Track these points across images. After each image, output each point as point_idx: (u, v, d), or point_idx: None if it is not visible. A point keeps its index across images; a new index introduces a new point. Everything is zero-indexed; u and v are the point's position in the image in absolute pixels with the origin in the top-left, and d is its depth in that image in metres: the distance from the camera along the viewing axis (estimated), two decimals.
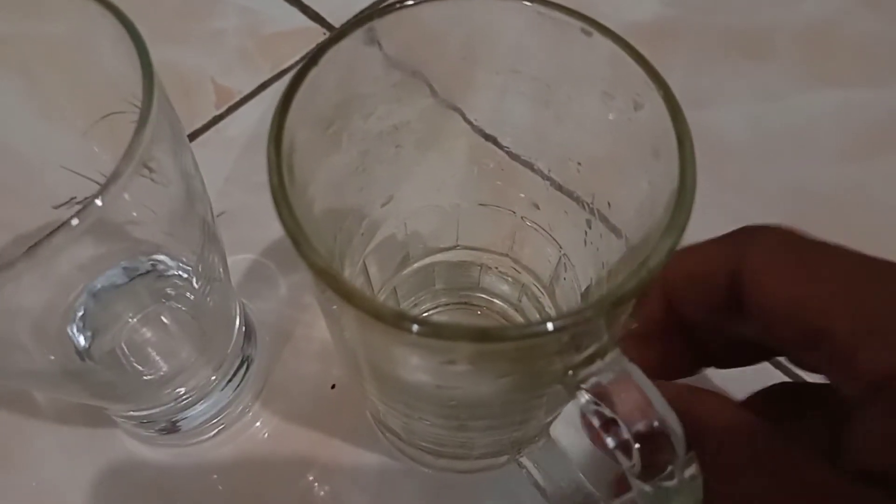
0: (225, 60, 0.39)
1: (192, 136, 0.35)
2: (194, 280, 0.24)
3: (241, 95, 0.37)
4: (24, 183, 0.33)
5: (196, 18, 0.40)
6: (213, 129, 0.36)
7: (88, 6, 0.20)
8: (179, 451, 0.27)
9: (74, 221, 0.16)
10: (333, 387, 0.29)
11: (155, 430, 0.27)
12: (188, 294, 0.26)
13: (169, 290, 0.26)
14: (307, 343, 0.29)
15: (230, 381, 0.27)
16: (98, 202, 0.16)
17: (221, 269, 0.24)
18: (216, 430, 0.28)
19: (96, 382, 0.24)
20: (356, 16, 0.23)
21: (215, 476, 0.27)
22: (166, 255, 0.25)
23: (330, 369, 0.29)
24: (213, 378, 0.26)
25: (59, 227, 0.16)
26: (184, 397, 0.26)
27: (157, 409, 0.26)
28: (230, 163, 0.35)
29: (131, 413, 0.26)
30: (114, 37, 0.19)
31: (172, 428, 0.27)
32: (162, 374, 0.25)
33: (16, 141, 0.34)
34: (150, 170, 0.18)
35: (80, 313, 0.25)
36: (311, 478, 0.27)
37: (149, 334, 0.26)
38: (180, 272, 0.25)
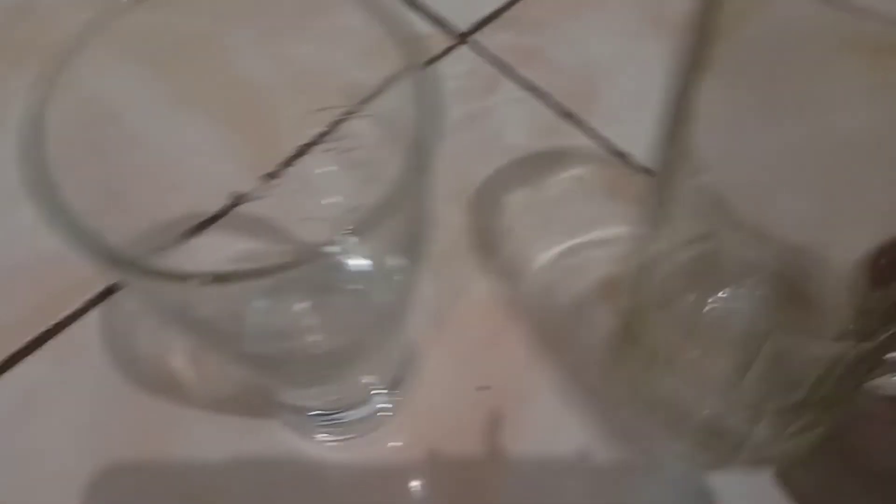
0: (349, 60, 0.39)
1: (322, 135, 0.35)
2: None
3: (366, 97, 0.37)
4: (156, 172, 0.34)
5: (316, 16, 0.40)
6: (340, 131, 0.36)
7: None
8: (334, 445, 0.28)
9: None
10: (482, 389, 0.28)
11: (314, 423, 0.27)
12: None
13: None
14: (457, 343, 0.29)
15: (392, 381, 0.27)
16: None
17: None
18: (371, 427, 0.28)
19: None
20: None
21: (368, 472, 0.27)
22: None
23: (478, 371, 0.29)
24: (376, 378, 0.27)
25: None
26: (343, 398, 0.26)
27: (325, 400, 0.26)
28: (352, 161, 0.35)
29: (297, 403, 0.26)
30: None
31: (331, 422, 0.27)
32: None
33: (153, 131, 0.35)
34: None
35: None
36: (465, 479, 0.27)
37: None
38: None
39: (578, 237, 0.32)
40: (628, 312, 0.27)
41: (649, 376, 0.27)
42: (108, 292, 0.30)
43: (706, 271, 0.24)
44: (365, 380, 0.27)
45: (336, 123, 0.33)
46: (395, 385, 0.28)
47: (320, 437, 0.28)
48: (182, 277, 0.15)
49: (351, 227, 0.15)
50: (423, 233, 0.21)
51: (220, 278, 0.15)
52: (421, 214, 0.20)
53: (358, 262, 0.27)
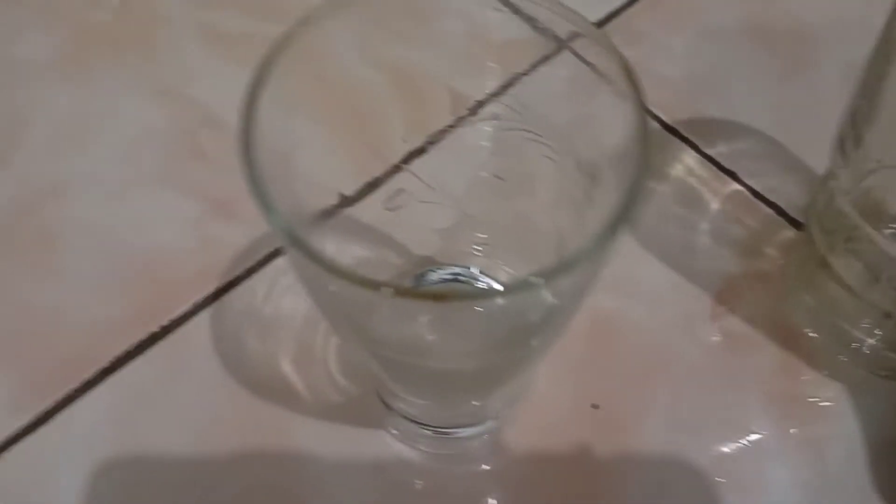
0: (454, 65, 0.39)
1: (432, 142, 0.35)
2: None
3: (474, 102, 0.37)
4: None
5: (422, 20, 0.40)
6: (451, 136, 0.36)
7: None
8: (443, 457, 0.27)
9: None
10: (595, 406, 0.28)
11: (424, 436, 0.27)
12: None
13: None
14: (565, 359, 0.29)
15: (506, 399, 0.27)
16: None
17: None
18: (482, 444, 0.27)
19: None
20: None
21: (477, 488, 0.27)
22: None
23: (590, 388, 0.28)
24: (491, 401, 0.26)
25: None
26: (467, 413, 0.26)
27: (437, 415, 0.26)
28: (470, 172, 0.34)
29: (409, 414, 0.26)
30: None
31: (441, 437, 0.27)
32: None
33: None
34: None
35: None
36: (579, 499, 0.27)
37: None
38: None
39: (687, 252, 0.32)
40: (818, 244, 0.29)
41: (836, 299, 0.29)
42: (217, 294, 0.30)
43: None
44: (478, 403, 0.26)
45: (445, 129, 0.33)
46: (507, 403, 0.28)
47: (429, 450, 0.27)
48: (374, 286, 0.14)
49: (544, 272, 0.15)
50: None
51: (402, 293, 0.15)
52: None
53: (488, 283, 0.27)
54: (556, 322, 0.19)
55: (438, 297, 0.14)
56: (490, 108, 0.28)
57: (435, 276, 0.27)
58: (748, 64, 0.38)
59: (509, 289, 0.16)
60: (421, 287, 0.27)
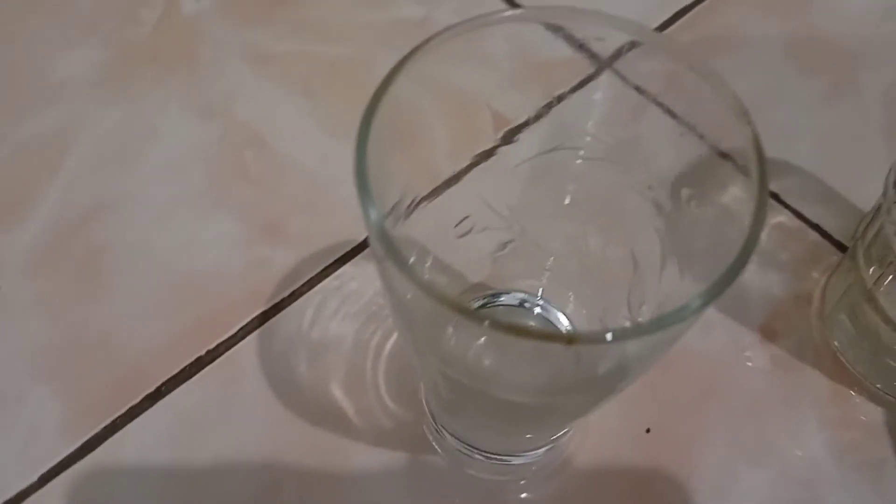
0: (498, 85, 0.39)
1: (476, 163, 0.35)
2: None
3: (517, 122, 0.37)
4: (307, 197, 0.34)
5: (464, 41, 0.40)
6: (495, 156, 0.36)
7: None
8: (499, 485, 0.27)
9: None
10: (648, 431, 0.28)
11: (477, 462, 0.27)
12: None
13: None
14: None
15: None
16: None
17: None
18: (536, 470, 0.27)
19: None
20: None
21: None
22: None
23: (644, 412, 0.28)
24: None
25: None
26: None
27: (491, 441, 0.26)
28: (515, 192, 0.34)
29: (463, 439, 0.26)
30: None
31: (495, 463, 0.27)
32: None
33: (303, 156, 0.35)
34: None
35: None
36: None
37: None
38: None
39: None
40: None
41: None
42: (264, 317, 0.30)
43: None
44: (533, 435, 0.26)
45: (490, 150, 0.33)
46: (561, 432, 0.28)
47: (481, 475, 0.27)
48: (478, 319, 0.14)
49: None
50: None
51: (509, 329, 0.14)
52: None
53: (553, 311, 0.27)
54: (628, 375, 0.19)
55: (571, 339, 0.14)
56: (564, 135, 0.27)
57: (503, 299, 0.27)
58: (790, 85, 0.38)
59: (650, 327, 0.15)
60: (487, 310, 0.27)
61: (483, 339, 0.25)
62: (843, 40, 0.39)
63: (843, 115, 0.37)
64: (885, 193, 0.27)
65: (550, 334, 0.17)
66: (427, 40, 0.20)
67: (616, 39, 0.23)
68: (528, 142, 0.38)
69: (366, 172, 0.16)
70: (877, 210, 0.28)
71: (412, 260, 0.25)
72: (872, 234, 0.28)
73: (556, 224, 0.27)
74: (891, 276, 0.27)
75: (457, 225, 0.26)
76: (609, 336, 0.14)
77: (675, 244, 0.22)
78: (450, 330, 0.20)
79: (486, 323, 0.14)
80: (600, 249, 0.25)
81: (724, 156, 0.21)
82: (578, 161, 0.26)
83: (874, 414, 0.29)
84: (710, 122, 0.21)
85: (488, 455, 0.27)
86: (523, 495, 0.27)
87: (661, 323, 0.15)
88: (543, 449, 0.27)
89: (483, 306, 0.26)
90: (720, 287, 0.15)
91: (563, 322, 0.27)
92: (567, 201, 0.26)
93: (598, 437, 0.28)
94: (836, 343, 0.30)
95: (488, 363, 0.24)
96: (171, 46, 0.38)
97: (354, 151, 0.17)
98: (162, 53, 0.38)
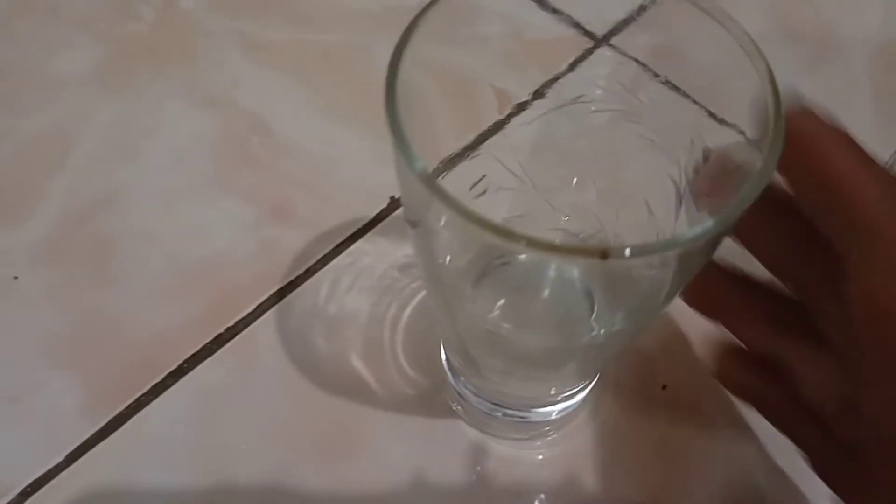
0: (496, 66, 0.39)
1: (481, 140, 0.36)
2: None
3: (518, 101, 0.38)
4: (313, 179, 0.34)
5: (461, 23, 0.41)
6: (499, 134, 0.36)
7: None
8: (520, 444, 0.28)
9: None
10: (664, 387, 0.28)
11: (499, 422, 0.27)
12: None
13: None
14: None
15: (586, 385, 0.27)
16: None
17: None
18: (556, 427, 0.28)
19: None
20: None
21: (550, 468, 0.27)
22: None
23: (659, 370, 0.29)
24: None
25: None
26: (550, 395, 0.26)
27: (513, 396, 0.26)
28: (519, 168, 0.35)
29: (483, 399, 0.27)
30: None
31: (517, 421, 0.27)
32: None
33: (306, 140, 0.35)
34: None
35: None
36: (653, 477, 0.27)
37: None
38: None
39: None
40: None
41: None
42: (280, 294, 0.30)
43: None
44: (553, 390, 0.27)
45: (490, 131, 0.33)
46: (579, 386, 0.28)
47: (501, 434, 0.28)
48: (516, 237, 0.15)
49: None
50: None
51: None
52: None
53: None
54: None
55: (604, 253, 0.15)
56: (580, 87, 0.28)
57: (521, 258, 0.28)
58: (773, 53, 0.39)
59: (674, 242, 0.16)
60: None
61: (505, 295, 0.25)
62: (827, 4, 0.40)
63: (828, 81, 0.38)
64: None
65: (585, 248, 0.18)
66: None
67: None
68: (528, 121, 0.38)
69: (401, 128, 0.17)
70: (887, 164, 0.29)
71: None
72: None
73: (568, 181, 0.27)
74: None
75: (472, 187, 0.27)
76: (632, 250, 0.15)
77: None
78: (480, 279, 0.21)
79: (524, 241, 0.15)
80: (614, 205, 0.26)
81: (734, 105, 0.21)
82: (590, 114, 0.26)
83: None
84: (722, 64, 0.22)
85: (508, 412, 0.27)
86: (542, 454, 0.28)
87: (677, 241, 0.16)
88: (561, 406, 0.27)
89: (502, 265, 0.27)
90: (736, 210, 0.16)
91: (578, 278, 0.27)
92: (579, 156, 0.27)
93: (615, 395, 0.29)
94: None
95: (512, 314, 0.25)
96: (170, 40, 0.39)
97: (385, 112, 0.17)
98: (161, 47, 0.38)
